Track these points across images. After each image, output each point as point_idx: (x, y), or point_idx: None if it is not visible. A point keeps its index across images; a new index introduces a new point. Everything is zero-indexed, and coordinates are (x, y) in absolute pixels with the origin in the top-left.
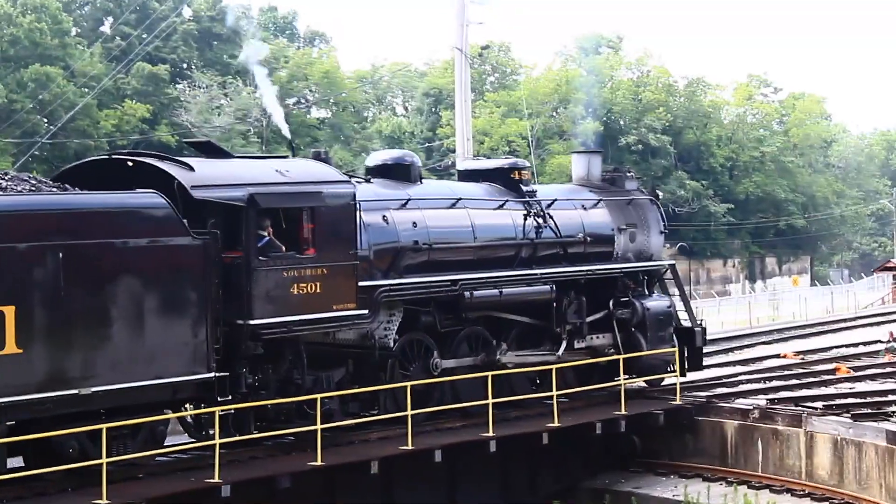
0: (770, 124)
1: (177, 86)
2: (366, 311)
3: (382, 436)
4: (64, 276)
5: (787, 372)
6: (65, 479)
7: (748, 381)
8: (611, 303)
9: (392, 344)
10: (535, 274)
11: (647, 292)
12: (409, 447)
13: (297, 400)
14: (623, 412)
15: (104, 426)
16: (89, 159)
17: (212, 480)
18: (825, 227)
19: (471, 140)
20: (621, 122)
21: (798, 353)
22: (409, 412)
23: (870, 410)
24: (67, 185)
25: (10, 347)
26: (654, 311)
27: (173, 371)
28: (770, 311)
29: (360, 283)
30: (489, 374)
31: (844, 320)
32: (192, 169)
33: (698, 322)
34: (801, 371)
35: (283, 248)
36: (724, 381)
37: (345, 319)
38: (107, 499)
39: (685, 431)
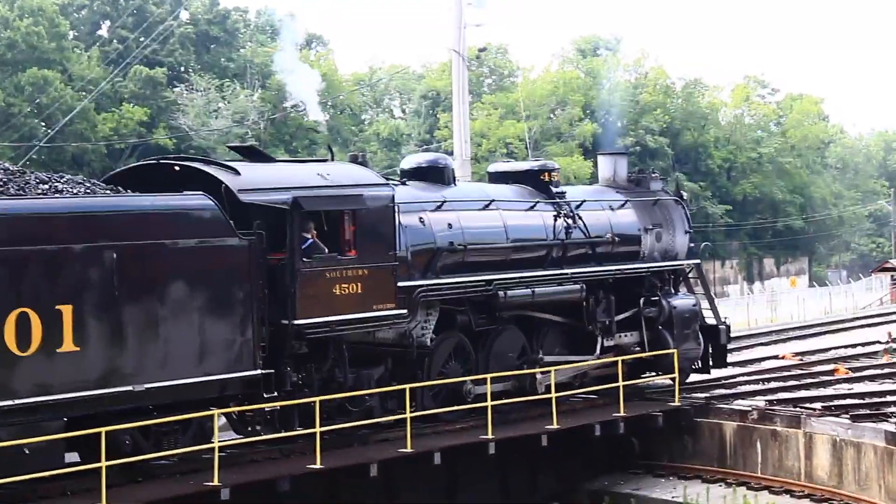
0: (767, 125)
1: (174, 89)
2: (405, 311)
3: (382, 438)
4: (117, 276)
5: (785, 373)
6: (120, 473)
7: (747, 383)
8: (640, 301)
9: (429, 342)
10: (566, 273)
11: (673, 291)
12: (408, 450)
13: (340, 397)
14: (622, 414)
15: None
16: (137, 164)
17: (211, 483)
18: (823, 228)
19: (468, 142)
20: (619, 124)
21: (797, 354)
22: (408, 415)
23: (869, 411)
24: (120, 188)
25: (68, 345)
26: (680, 310)
27: (221, 368)
28: (768, 312)
29: (399, 284)
30: (495, 375)
31: (843, 321)
32: (238, 173)
33: (723, 320)
34: (799, 372)
35: (326, 250)
36: (723, 382)
37: (385, 319)
38: (106, 502)
39: (684, 433)
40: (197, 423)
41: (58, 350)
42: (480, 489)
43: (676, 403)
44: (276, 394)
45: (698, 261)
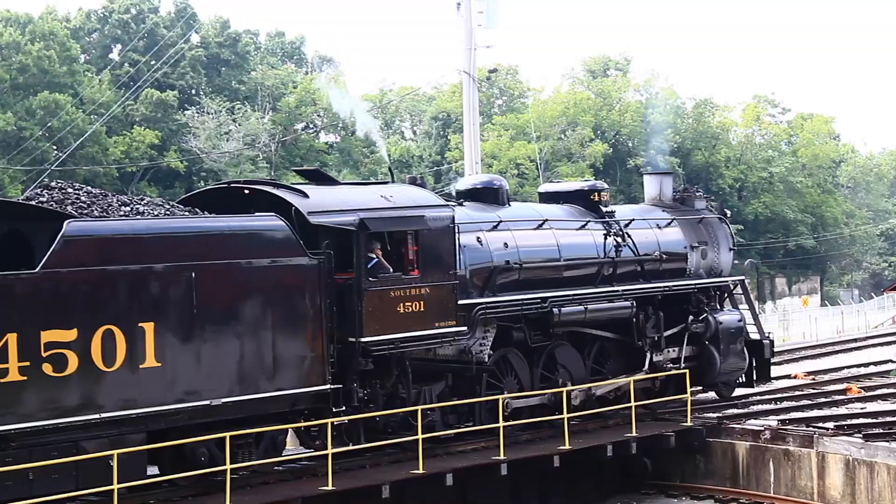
0: (779, 145)
1: (185, 112)
2: (465, 328)
3: (394, 459)
4: (196, 295)
5: (798, 392)
6: (194, 485)
7: (759, 402)
8: (688, 317)
9: (486, 359)
10: (617, 291)
11: (718, 307)
12: (421, 471)
13: (402, 411)
14: (634, 434)
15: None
16: (209, 187)
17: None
18: (835, 248)
19: (479, 163)
20: (629, 144)
21: (809, 373)
22: (421, 436)
23: (881, 430)
24: (197, 210)
25: (150, 361)
26: (726, 325)
27: (292, 384)
28: (780, 331)
29: (459, 302)
30: (501, 397)
31: (855, 340)
32: (306, 196)
33: (766, 335)
34: (812, 391)
35: (391, 269)
36: (736, 401)
37: (446, 336)
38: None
39: (696, 453)
40: (269, 436)
41: (140, 366)
42: None
43: (689, 424)
44: (343, 408)
45: (742, 277)
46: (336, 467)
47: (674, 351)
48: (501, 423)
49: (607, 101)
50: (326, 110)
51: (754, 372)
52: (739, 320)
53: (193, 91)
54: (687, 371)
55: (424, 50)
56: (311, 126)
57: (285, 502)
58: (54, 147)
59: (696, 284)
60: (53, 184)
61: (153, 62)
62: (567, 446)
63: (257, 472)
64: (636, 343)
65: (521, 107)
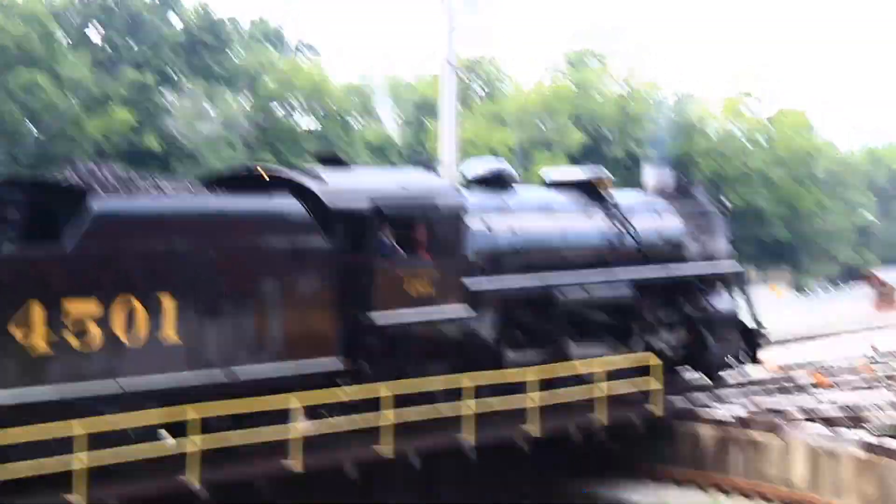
0: (756, 138)
1: (164, 93)
2: (471, 310)
3: (361, 438)
4: (216, 273)
5: (765, 381)
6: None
7: (727, 389)
8: (684, 304)
9: (490, 340)
10: (618, 277)
11: (714, 294)
12: (387, 452)
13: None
14: (602, 418)
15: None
16: (228, 170)
17: (188, 482)
18: (809, 240)
19: (456, 150)
20: (608, 135)
21: (777, 363)
22: (389, 416)
23: (847, 420)
24: (220, 192)
25: (171, 336)
26: (721, 312)
27: (304, 360)
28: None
29: (466, 285)
30: (477, 374)
31: (825, 331)
32: (324, 181)
33: (759, 323)
34: (780, 380)
35: (402, 253)
36: (703, 388)
37: (453, 317)
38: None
39: (663, 438)
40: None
41: (161, 340)
42: (460, 490)
43: (657, 409)
44: (354, 385)
45: (738, 265)
46: (306, 445)
47: (670, 336)
48: (466, 405)
49: (586, 92)
50: (306, 94)
51: (747, 358)
52: (734, 308)
53: (172, 72)
54: (657, 358)
55: (406, 38)
56: (289, 110)
57: (251, 479)
58: (32, 126)
59: (693, 272)
60: (81, 162)
61: (132, 43)
62: (534, 429)
63: (268, 445)
64: (634, 328)
65: (501, 95)
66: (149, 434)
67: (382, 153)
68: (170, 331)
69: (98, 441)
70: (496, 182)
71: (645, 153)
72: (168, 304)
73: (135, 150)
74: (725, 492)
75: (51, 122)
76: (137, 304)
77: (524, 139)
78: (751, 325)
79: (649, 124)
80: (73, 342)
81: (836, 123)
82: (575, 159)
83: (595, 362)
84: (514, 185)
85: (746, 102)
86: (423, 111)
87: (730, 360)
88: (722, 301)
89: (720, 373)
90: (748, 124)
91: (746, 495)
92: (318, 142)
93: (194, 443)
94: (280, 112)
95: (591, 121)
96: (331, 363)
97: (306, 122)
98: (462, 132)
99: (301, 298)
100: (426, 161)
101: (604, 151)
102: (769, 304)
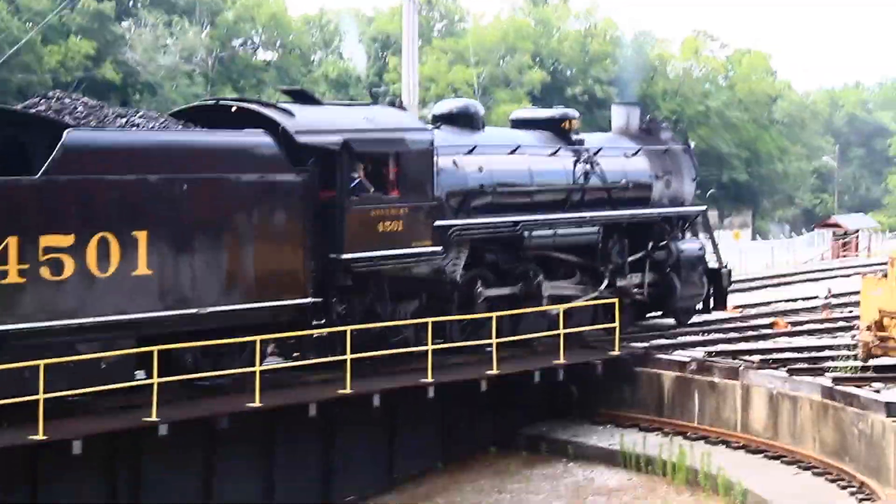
0: (716, 79)
1: (122, 23)
2: (440, 248)
3: (323, 378)
4: (186, 206)
5: (725, 326)
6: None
7: (687, 334)
8: (649, 245)
9: (459, 279)
10: (585, 217)
11: (680, 235)
12: (347, 391)
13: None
14: (562, 361)
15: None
16: (197, 103)
17: (149, 419)
18: (768, 183)
19: (417, 86)
20: (568, 73)
21: (737, 306)
22: (348, 356)
23: (806, 365)
24: (190, 124)
25: (143, 269)
26: (687, 254)
27: (275, 296)
28: (712, 264)
29: (436, 223)
30: (436, 319)
31: (784, 275)
32: (293, 115)
33: (724, 265)
34: (739, 325)
35: (372, 189)
36: (663, 332)
37: (422, 255)
38: (44, 434)
39: (623, 382)
40: (250, 346)
41: (133, 273)
42: (420, 432)
43: (616, 352)
44: (323, 321)
45: (705, 207)
46: (269, 384)
47: (636, 277)
48: (430, 346)
49: (547, 29)
50: (265, 27)
51: (712, 299)
52: (700, 249)
53: (131, 3)
54: (616, 300)
55: None
56: (248, 42)
57: (212, 418)
58: None
59: (659, 213)
60: (52, 94)
61: None
62: (495, 371)
63: (238, 380)
64: (599, 268)
65: (461, 31)
66: (119, 368)
67: (344, 88)
68: (141, 263)
69: (70, 375)
70: (465, 120)
71: (605, 93)
72: (139, 237)
73: (92, 80)
74: (685, 436)
75: (7, 51)
76: (109, 237)
77: (484, 76)
78: (717, 267)
79: (610, 63)
80: (46, 272)
81: (793, 64)
82: (535, 98)
83: (558, 305)
84: (482, 123)
85: (706, 43)
86: (383, 46)
87: (697, 302)
88: (688, 243)
89: (687, 316)
90: (708, 64)
91: (706, 440)
92: (278, 74)
93: (157, 378)
94: (240, 45)
95: (551, 59)
96: (301, 300)
97: (266, 55)
98: (421, 68)
99: (271, 233)
100: (394, 98)
101: (564, 91)
102: (728, 247)
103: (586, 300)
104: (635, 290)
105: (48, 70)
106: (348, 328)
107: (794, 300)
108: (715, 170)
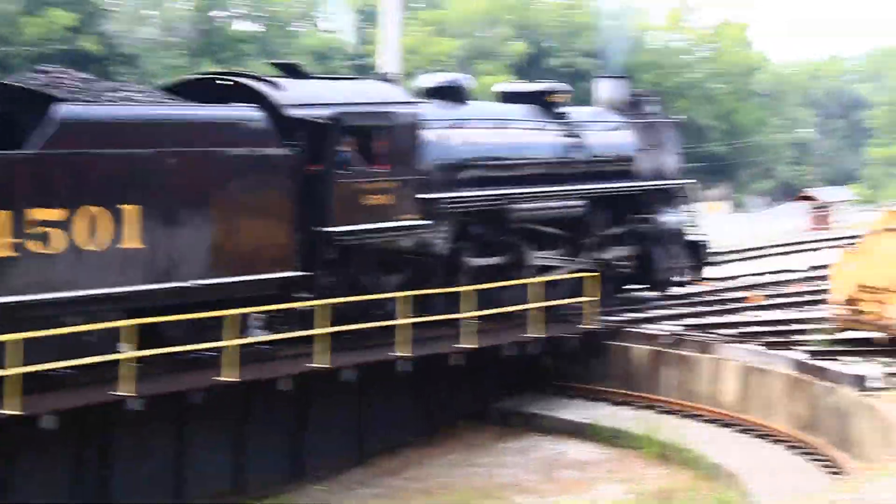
0: (696, 51)
1: None
2: (427, 222)
3: (297, 353)
4: (177, 180)
5: (697, 299)
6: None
7: (659, 307)
8: (633, 217)
9: (445, 252)
10: (570, 190)
11: (663, 209)
12: (321, 365)
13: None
14: (537, 334)
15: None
16: (188, 77)
17: (121, 393)
18: (746, 155)
19: (399, 58)
20: (549, 46)
21: (710, 280)
22: (320, 331)
23: (778, 339)
24: (180, 98)
25: (132, 242)
26: (669, 227)
27: (262, 269)
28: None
29: (422, 196)
30: (412, 293)
31: (760, 248)
32: (283, 89)
33: (703, 237)
34: (712, 298)
35: (360, 164)
36: (636, 306)
37: (408, 229)
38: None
39: (596, 355)
40: (239, 319)
41: (122, 246)
42: (395, 405)
43: (590, 326)
44: (311, 295)
45: (694, 181)
46: (250, 358)
47: (620, 249)
48: (403, 321)
49: (529, 0)
50: None
51: (692, 273)
52: (681, 222)
53: None
54: (598, 274)
55: None
56: (230, 14)
57: (185, 392)
58: None
59: (643, 186)
60: (45, 67)
61: None
62: (469, 344)
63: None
64: (584, 241)
65: (443, 2)
66: (105, 342)
67: (327, 60)
68: (131, 236)
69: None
70: (452, 94)
71: (590, 65)
72: (129, 210)
73: (73, 52)
74: (656, 409)
75: None
76: (99, 210)
77: (466, 48)
78: (697, 239)
79: (594, 34)
80: (36, 246)
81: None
82: (518, 70)
83: (540, 277)
84: (469, 97)
85: (687, 15)
86: (365, 17)
87: (675, 273)
88: (670, 215)
89: (664, 287)
90: (690, 36)
91: (677, 414)
92: (260, 47)
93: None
94: (222, 16)
95: (534, 31)
96: (288, 273)
97: (248, 27)
98: (403, 40)
99: (259, 207)
100: (382, 72)
101: (547, 63)
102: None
103: (570, 272)
104: (619, 262)
105: (28, 42)
106: (318, 302)
107: (770, 273)
108: (694, 142)
